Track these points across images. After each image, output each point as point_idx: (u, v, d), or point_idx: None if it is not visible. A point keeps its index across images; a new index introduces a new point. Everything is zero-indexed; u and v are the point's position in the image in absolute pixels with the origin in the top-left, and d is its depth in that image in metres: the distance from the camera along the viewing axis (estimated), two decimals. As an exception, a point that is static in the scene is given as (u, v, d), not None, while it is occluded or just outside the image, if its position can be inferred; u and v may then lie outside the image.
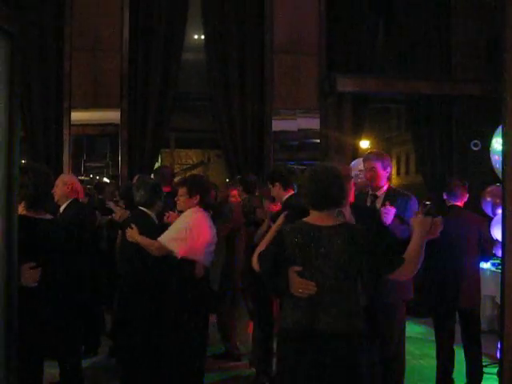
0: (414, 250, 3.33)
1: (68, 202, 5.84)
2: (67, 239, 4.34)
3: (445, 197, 5.80)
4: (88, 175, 19.33)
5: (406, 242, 3.42)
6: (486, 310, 7.35)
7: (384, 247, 3.38)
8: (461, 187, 5.79)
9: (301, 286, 3.27)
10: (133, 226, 4.97)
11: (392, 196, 4.96)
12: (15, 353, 2.62)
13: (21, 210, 3.78)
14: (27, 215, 3.83)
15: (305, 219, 3.44)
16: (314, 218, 3.40)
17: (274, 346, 4.84)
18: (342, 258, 3.26)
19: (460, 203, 5.76)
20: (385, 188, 5.06)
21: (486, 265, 6.98)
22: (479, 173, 8.84)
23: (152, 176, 7.54)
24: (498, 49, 9.86)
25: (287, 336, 3.35)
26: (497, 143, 6.87)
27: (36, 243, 3.76)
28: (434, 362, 5.89)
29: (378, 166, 5.05)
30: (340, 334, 3.26)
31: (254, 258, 3.58)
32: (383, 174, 5.04)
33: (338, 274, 3.27)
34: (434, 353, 5.89)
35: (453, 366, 5.68)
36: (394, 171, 39.34)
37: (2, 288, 2.54)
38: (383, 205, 4.82)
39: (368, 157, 5.22)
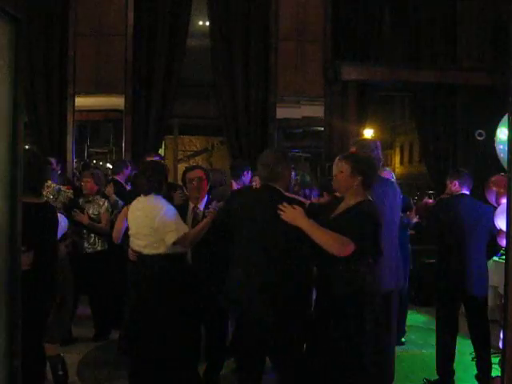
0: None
1: None
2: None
3: (456, 185, 5.80)
4: (91, 161, 19.33)
5: None
6: (489, 301, 7.35)
7: None
8: (471, 178, 5.89)
9: None
10: None
11: None
12: (19, 338, 2.62)
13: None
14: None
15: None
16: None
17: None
18: None
19: (468, 192, 5.83)
20: None
21: (489, 255, 6.98)
22: (483, 162, 8.83)
23: None
24: (503, 38, 9.82)
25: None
26: (501, 133, 6.86)
27: (28, 227, 3.77)
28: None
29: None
30: None
31: None
32: None
33: None
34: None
35: (454, 357, 5.67)
36: (397, 160, 39.35)
37: (5, 273, 2.54)
38: None
39: None
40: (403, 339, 7.09)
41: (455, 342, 5.67)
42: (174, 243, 4.69)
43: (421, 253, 8.45)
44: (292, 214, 3.89)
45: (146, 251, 4.79)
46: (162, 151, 12.98)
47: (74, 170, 10.39)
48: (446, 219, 5.65)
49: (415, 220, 6.11)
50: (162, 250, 4.74)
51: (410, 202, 6.53)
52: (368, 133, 17.15)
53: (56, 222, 4.42)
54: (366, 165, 4.10)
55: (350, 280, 3.89)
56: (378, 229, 3.94)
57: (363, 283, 3.90)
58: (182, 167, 13.99)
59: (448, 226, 5.63)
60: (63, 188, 6.13)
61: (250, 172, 6.63)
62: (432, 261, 7.88)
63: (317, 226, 3.87)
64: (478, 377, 5.63)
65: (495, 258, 7.18)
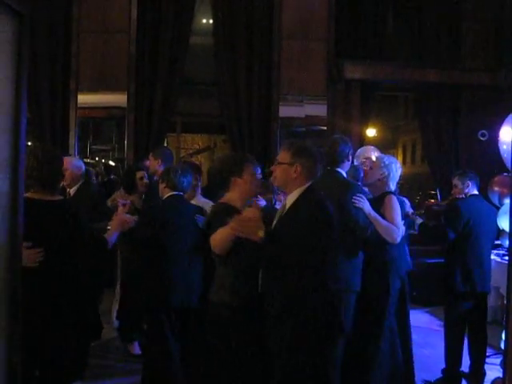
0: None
1: (79, 185, 5.93)
2: (78, 221, 4.19)
3: (470, 186, 5.76)
4: (94, 158, 19.30)
5: None
6: (490, 301, 7.33)
7: None
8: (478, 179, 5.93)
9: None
10: None
11: None
12: (18, 335, 2.61)
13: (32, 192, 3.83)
14: (31, 197, 3.79)
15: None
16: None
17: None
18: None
19: (478, 193, 5.83)
20: None
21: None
22: (486, 163, 8.80)
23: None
24: (508, 38, 9.80)
25: None
26: (505, 133, 6.83)
27: (39, 225, 3.69)
28: (436, 352, 5.89)
29: None
30: None
31: None
32: None
33: None
34: (436, 342, 5.88)
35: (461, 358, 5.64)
36: (399, 160, 39.28)
37: (5, 269, 2.53)
38: None
39: None
40: None
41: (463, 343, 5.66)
42: None
43: (421, 253, 8.43)
44: None
45: None
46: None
47: None
48: (470, 219, 5.61)
49: (419, 221, 6.03)
50: None
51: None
52: (371, 132, 17.15)
53: (78, 220, 4.08)
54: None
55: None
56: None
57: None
58: (184, 165, 13.95)
59: (470, 225, 5.59)
60: None
61: None
62: (433, 261, 7.85)
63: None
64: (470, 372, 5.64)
65: (497, 258, 7.16)
